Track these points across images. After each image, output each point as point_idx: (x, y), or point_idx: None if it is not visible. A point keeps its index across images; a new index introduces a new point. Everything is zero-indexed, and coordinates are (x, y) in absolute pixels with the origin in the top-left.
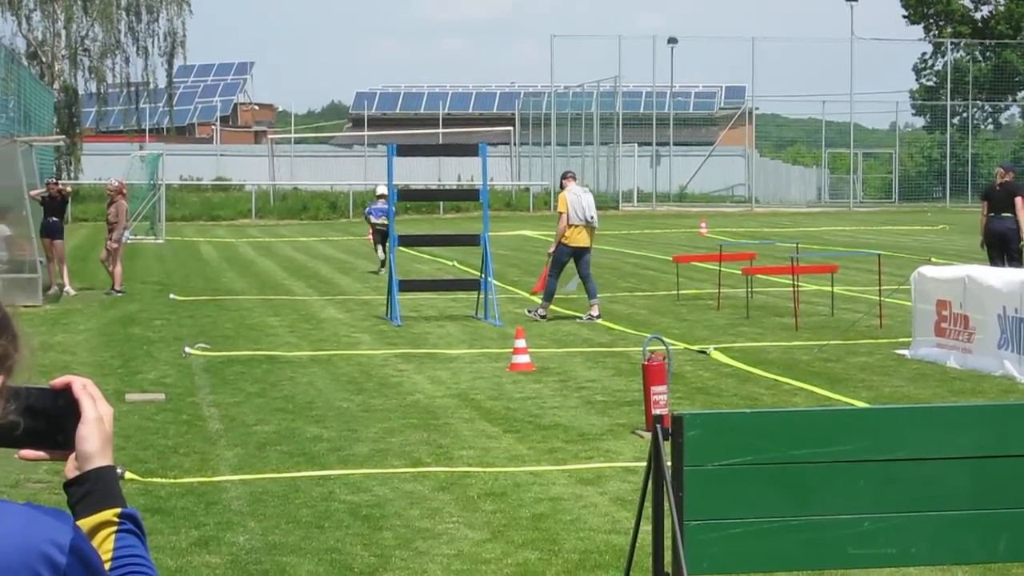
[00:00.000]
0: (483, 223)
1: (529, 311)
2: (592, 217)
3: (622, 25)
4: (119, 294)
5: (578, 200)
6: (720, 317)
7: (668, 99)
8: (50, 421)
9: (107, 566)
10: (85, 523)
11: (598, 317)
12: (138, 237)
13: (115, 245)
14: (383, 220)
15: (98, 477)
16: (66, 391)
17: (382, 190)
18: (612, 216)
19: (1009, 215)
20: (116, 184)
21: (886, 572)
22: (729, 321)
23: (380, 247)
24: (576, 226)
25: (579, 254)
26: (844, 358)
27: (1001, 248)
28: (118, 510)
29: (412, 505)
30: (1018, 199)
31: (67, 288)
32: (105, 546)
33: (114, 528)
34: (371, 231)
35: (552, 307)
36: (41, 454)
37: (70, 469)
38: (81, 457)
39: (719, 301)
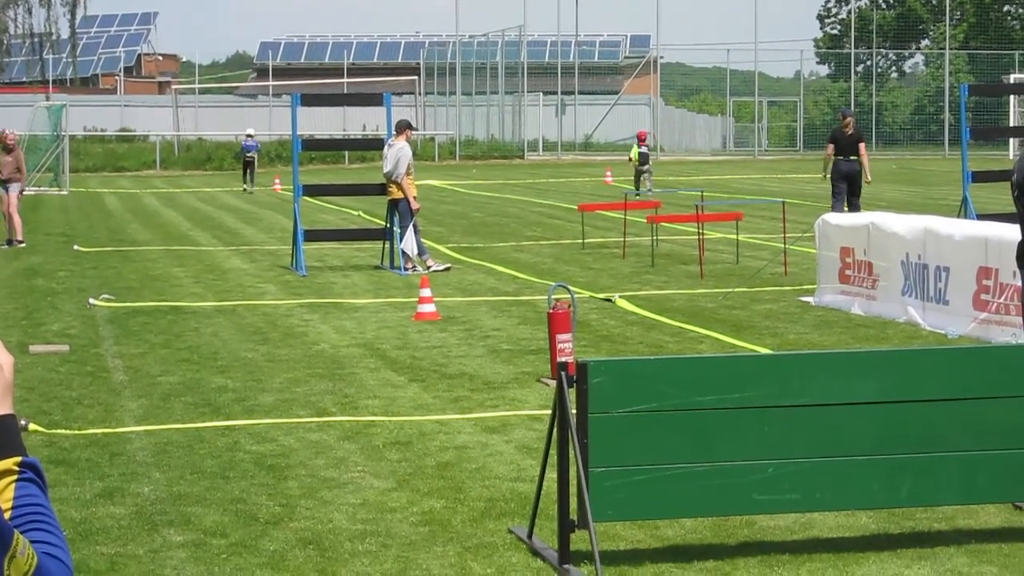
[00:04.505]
0: None
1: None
2: (387, 172)
3: None
4: (21, 245)
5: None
6: (625, 265)
7: (573, 48)
8: None
9: (7, 515)
10: None
11: (408, 270)
12: (42, 188)
13: (17, 196)
14: (251, 154)
15: None
16: None
17: (250, 131)
18: (517, 165)
19: (855, 158)
20: (11, 135)
21: (791, 518)
22: (634, 269)
23: (247, 173)
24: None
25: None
26: (749, 305)
27: (850, 186)
28: (19, 459)
29: (317, 455)
30: (861, 144)
31: None
32: (5, 495)
33: (14, 477)
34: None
35: (455, 256)
36: None
37: None
38: None
39: (624, 250)
